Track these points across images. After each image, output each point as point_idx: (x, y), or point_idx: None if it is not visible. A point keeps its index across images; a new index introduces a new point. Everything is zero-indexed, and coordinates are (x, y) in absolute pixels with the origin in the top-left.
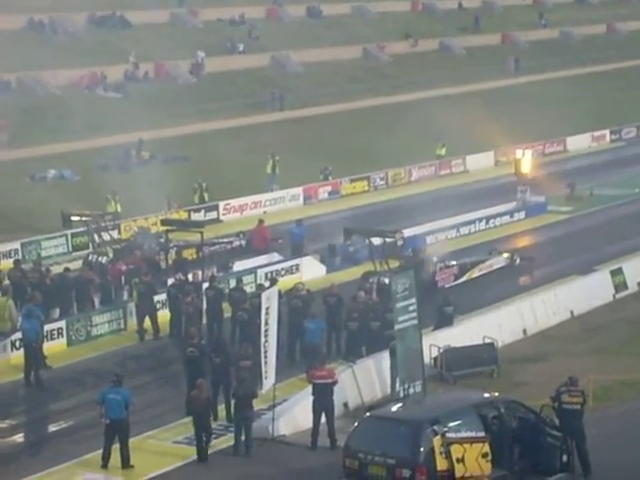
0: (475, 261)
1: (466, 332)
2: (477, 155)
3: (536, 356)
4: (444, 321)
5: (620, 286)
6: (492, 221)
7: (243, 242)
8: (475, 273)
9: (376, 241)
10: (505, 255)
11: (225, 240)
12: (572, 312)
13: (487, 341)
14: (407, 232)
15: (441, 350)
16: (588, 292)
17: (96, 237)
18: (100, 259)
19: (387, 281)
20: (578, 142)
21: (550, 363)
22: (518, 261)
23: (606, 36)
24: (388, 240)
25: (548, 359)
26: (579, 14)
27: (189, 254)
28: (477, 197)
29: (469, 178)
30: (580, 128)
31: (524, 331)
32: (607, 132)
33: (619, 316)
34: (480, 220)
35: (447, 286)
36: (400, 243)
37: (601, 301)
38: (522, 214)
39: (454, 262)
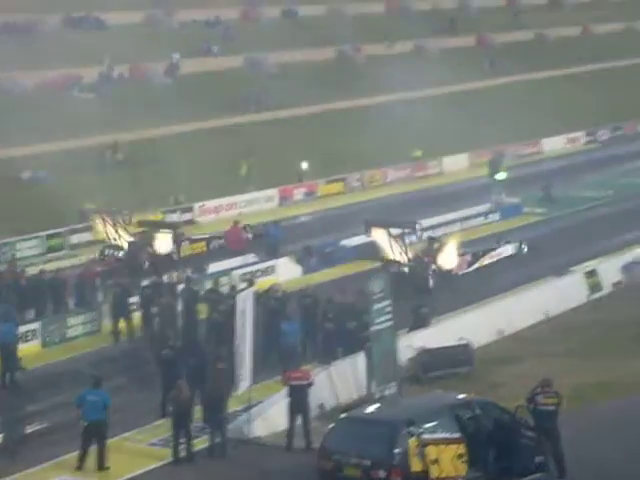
0: (486, 249)
1: (442, 333)
2: (452, 157)
3: (511, 357)
4: (419, 322)
5: (595, 287)
6: (467, 222)
7: (250, 235)
8: (486, 261)
9: (395, 231)
10: (513, 244)
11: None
12: (547, 313)
13: (462, 342)
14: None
15: (417, 351)
16: (563, 293)
17: (112, 231)
18: (116, 253)
19: (407, 270)
20: (553, 144)
21: (525, 364)
22: (526, 250)
23: (581, 38)
24: (407, 230)
25: (523, 360)
26: (554, 16)
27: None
28: (452, 199)
29: (444, 180)
30: (555, 130)
31: (499, 332)
32: (582, 134)
33: (594, 317)
34: (455, 222)
35: (461, 273)
36: (419, 233)
37: (576, 302)
38: (497, 215)
39: (467, 250)
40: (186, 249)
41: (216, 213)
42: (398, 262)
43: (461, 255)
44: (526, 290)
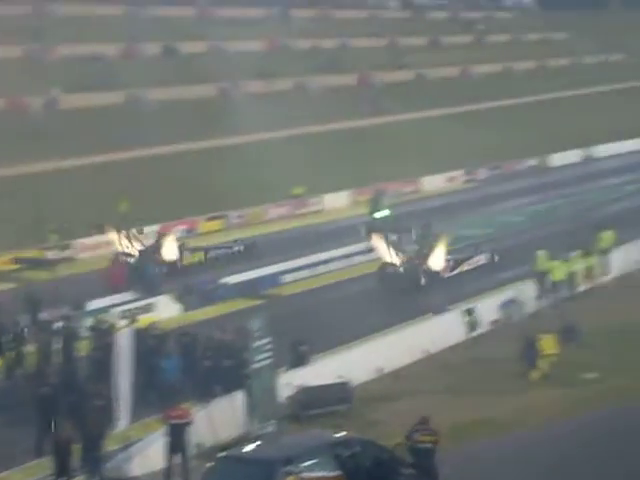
0: (465, 257)
1: (321, 371)
2: (334, 194)
3: (390, 395)
4: (298, 360)
5: (473, 325)
6: (347, 260)
7: (241, 247)
8: (465, 267)
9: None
10: (487, 254)
11: (225, 245)
12: (426, 351)
13: (341, 380)
14: (262, 271)
15: (295, 389)
16: (442, 331)
17: (125, 242)
18: (129, 260)
19: (402, 270)
20: (433, 182)
21: (404, 402)
22: (497, 259)
23: (460, 78)
24: (404, 234)
25: (402, 398)
26: (434, 56)
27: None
28: (334, 236)
29: (325, 217)
30: (435, 169)
31: (378, 370)
32: (461, 173)
33: (471, 355)
34: (336, 259)
35: (446, 276)
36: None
37: (454, 340)
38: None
39: (450, 257)
40: (187, 259)
41: (94, 251)
42: (394, 264)
43: (446, 260)
44: (405, 328)
